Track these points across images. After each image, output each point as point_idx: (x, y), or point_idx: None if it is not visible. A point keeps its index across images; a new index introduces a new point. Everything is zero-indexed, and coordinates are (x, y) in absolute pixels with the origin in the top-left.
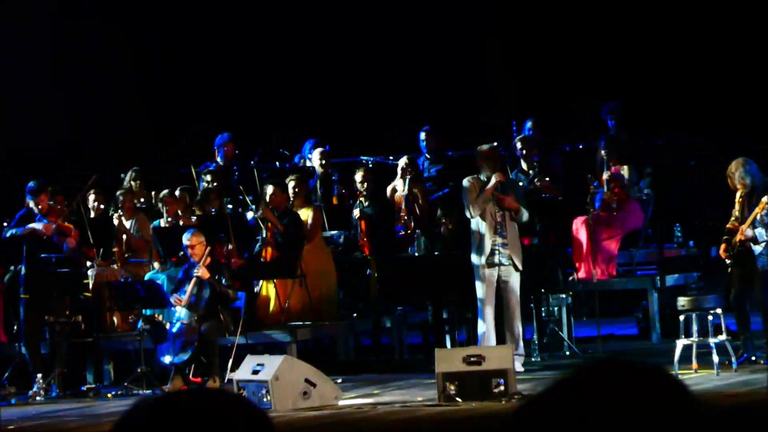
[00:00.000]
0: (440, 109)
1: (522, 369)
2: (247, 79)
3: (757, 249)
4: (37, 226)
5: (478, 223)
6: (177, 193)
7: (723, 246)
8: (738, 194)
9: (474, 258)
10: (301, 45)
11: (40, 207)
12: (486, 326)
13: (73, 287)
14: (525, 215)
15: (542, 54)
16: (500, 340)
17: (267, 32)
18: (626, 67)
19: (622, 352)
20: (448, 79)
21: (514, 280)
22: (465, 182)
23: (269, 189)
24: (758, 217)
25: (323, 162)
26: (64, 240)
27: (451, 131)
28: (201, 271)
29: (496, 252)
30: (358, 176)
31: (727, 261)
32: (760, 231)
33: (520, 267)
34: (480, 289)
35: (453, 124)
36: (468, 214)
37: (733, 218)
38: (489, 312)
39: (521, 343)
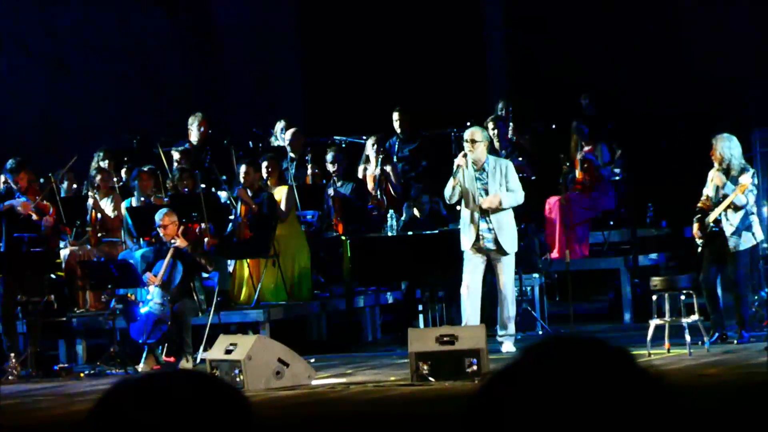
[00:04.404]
0: (413, 88)
1: (514, 349)
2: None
3: (728, 230)
4: (16, 203)
5: (463, 208)
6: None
7: (697, 226)
8: (712, 172)
9: (462, 241)
10: (274, 25)
11: (19, 185)
12: (465, 309)
13: (46, 266)
14: (513, 200)
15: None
16: (492, 322)
17: (239, 11)
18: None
19: (595, 332)
20: (421, 58)
21: (504, 263)
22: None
23: (242, 168)
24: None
25: (295, 142)
26: (42, 218)
27: (424, 111)
28: (179, 241)
29: (482, 238)
30: (329, 156)
31: (699, 241)
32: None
33: (508, 251)
34: (464, 272)
35: (426, 103)
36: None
37: (704, 197)
38: (470, 295)
39: (513, 325)
